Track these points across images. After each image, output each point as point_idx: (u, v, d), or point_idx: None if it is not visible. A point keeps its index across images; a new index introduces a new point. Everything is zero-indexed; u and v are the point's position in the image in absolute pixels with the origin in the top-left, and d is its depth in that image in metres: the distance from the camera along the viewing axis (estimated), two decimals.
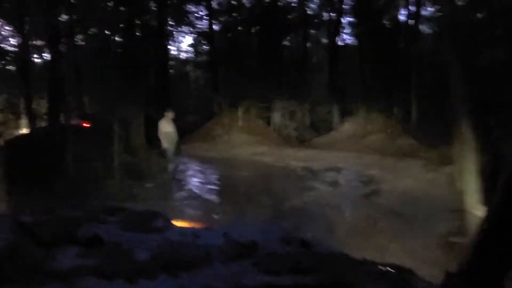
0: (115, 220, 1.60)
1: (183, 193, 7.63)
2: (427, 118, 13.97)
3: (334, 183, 8.67)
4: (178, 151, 9.71)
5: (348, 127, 16.11)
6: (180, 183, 8.50)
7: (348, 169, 10.36)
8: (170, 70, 23.51)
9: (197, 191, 7.97)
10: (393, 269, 1.40)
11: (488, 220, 1.10)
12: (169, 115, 9.08)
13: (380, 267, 1.41)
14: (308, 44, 22.37)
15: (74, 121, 13.87)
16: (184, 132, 16.79)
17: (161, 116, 9.20)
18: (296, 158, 12.35)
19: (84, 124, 13.65)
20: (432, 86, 14.48)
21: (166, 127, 8.87)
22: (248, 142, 14.98)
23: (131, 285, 1.08)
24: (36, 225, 1.41)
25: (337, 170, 10.34)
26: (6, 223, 1.42)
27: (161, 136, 8.82)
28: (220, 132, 16.26)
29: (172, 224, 1.70)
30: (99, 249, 1.33)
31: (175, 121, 9.46)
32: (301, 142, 15.78)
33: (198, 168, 10.85)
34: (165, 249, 1.35)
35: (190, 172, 10.10)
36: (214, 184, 8.97)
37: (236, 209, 6.19)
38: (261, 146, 14.30)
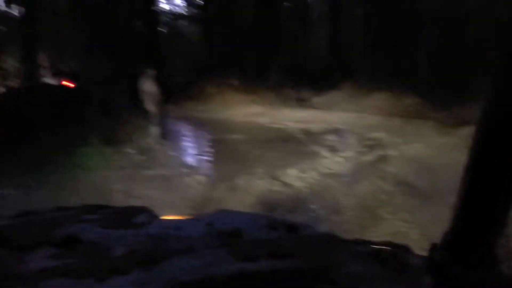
0: (95, 218, 1.51)
1: (167, 160, 6.78)
2: (436, 75, 12.96)
3: (336, 148, 7.83)
4: (163, 113, 8.81)
5: (349, 85, 15.06)
6: (165, 149, 7.64)
7: (351, 131, 9.50)
8: (161, 26, 22.09)
9: (183, 158, 7.14)
10: (387, 247, 1.33)
11: (468, 176, 0.97)
12: (152, 73, 8.09)
13: (373, 246, 1.34)
14: None
15: (53, 80, 12.81)
16: (174, 91, 15.80)
17: (145, 74, 8.18)
18: (294, 119, 11.46)
19: (66, 84, 12.62)
20: (443, 39, 13.35)
21: (149, 87, 7.91)
22: (243, 102, 14.01)
23: (101, 283, 1.00)
24: (11, 228, 1.37)
25: (339, 132, 9.49)
26: None
27: (144, 97, 7.88)
28: (213, 91, 15.22)
29: (156, 218, 1.58)
30: (75, 249, 1.26)
31: (161, 79, 8.50)
32: (299, 101, 14.78)
33: (187, 131, 9.97)
34: (143, 244, 1.27)
35: (178, 136, 9.22)
36: (204, 149, 8.13)
37: (225, 182, 5.39)
38: (256, 106, 13.35)
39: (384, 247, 1.32)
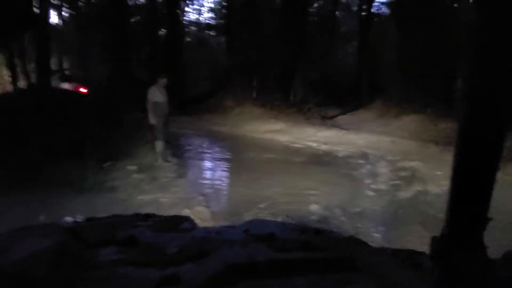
0: (147, 224, 1.74)
1: (169, 183, 5.89)
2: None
3: (366, 178, 6.79)
4: (168, 126, 7.95)
5: (379, 105, 13.99)
6: (170, 168, 6.77)
7: (382, 157, 8.42)
8: (188, 36, 21.74)
9: (188, 180, 6.23)
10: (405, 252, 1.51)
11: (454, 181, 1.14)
12: (162, 81, 7.26)
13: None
14: (338, 12, 20.08)
15: (65, 85, 12.26)
16: (191, 102, 15.07)
17: (159, 82, 7.34)
18: (317, 139, 10.47)
19: (81, 90, 12.04)
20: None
21: (156, 96, 7.09)
22: (263, 116, 13.12)
23: (162, 271, 1.21)
24: (82, 229, 1.56)
25: (368, 158, 8.43)
26: (54, 228, 1.51)
27: (149, 108, 7.05)
28: (232, 103, 14.41)
29: (197, 226, 1.83)
30: (135, 247, 1.46)
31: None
32: (324, 119, 13.78)
33: (200, 146, 9.11)
34: (191, 244, 1.48)
35: (188, 153, 8.36)
36: (214, 171, 7.23)
37: (231, 219, 4.44)
38: (277, 123, 12.43)
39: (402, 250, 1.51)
